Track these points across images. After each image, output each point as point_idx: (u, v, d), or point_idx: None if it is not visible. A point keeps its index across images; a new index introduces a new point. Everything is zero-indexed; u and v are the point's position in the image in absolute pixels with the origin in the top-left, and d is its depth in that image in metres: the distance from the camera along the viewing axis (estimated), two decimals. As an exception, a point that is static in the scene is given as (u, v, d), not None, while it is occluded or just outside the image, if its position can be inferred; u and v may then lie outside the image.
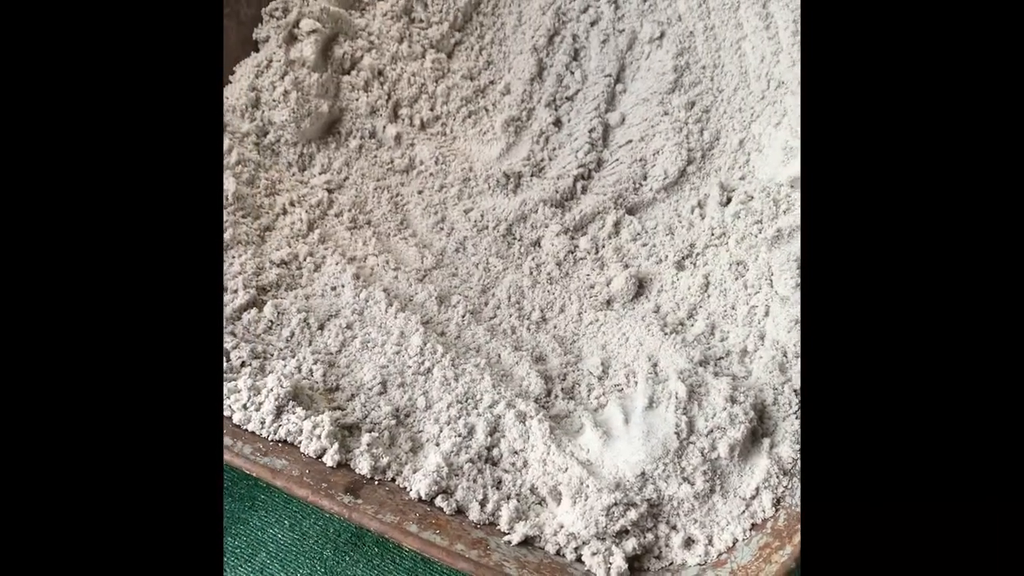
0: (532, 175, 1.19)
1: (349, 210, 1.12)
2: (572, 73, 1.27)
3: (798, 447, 0.83)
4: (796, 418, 0.86)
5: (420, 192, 1.17)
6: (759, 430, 0.86)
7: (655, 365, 0.95)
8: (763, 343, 0.95)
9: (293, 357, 0.93)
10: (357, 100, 1.18)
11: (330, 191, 1.13)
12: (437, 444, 0.87)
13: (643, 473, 0.81)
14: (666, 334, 0.98)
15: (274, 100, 1.11)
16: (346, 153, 1.16)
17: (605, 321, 1.03)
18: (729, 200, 1.12)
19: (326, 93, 1.15)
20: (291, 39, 1.13)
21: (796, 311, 0.93)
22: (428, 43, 1.26)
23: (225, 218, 1.00)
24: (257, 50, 1.16)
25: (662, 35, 1.27)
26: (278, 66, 1.11)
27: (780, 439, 0.84)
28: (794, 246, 0.97)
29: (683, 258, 1.08)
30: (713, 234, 1.09)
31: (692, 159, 1.17)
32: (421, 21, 1.27)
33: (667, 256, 1.09)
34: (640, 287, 1.07)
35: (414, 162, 1.19)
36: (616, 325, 1.02)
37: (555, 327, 1.04)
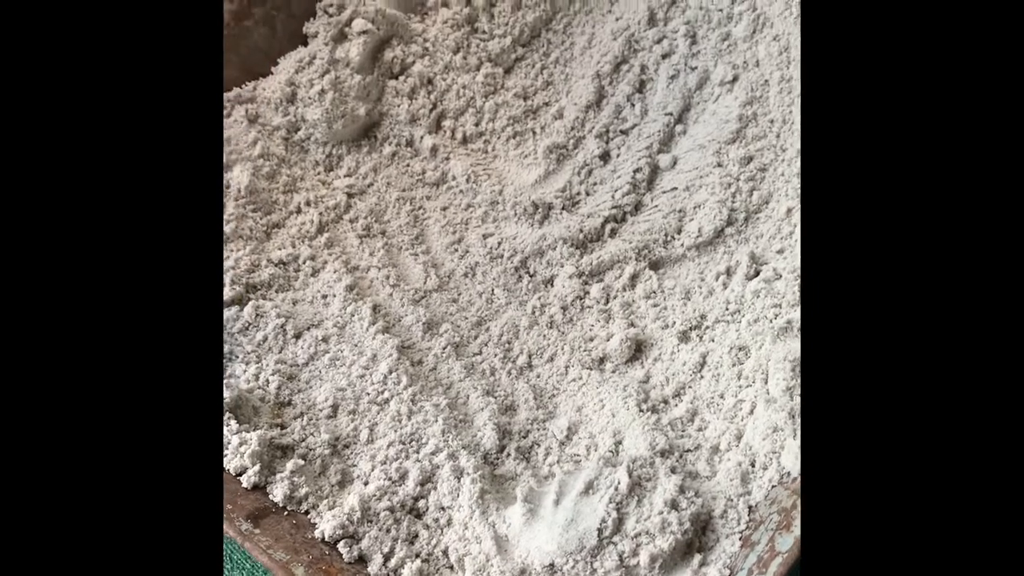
0: (563, 208, 1.14)
1: (365, 217, 1.11)
2: (633, 106, 1.20)
3: (728, 573, 0.75)
4: (739, 539, 0.78)
5: (444, 209, 1.14)
6: (696, 543, 0.79)
7: (618, 443, 0.89)
8: (737, 444, 0.87)
9: (256, 363, 0.93)
10: (399, 106, 1.16)
11: (350, 195, 1.12)
12: (365, 483, 0.85)
13: (552, 565, 0.77)
14: (642, 411, 0.91)
15: (310, 98, 1.10)
16: (377, 159, 1.15)
17: (588, 381, 0.98)
18: (757, 273, 1.03)
19: (367, 96, 1.14)
20: (340, 37, 1.13)
21: (780, 417, 0.84)
22: (486, 56, 1.22)
23: (231, 211, 1.01)
24: (306, 45, 1.16)
25: (735, 79, 1.18)
26: (320, 63, 1.11)
27: (713, 559, 0.77)
28: (795, 344, 0.88)
29: (690, 328, 1.01)
30: (728, 308, 1.01)
31: (733, 220, 1.08)
32: (483, 32, 1.23)
33: (674, 323, 1.02)
34: (637, 350, 1.01)
35: (446, 177, 1.16)
36: (597, 389, 0.96)
37: (537, 376, 1.00)
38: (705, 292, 1.04)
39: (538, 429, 0.94)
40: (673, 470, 0.83)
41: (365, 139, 1.16)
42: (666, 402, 0.94)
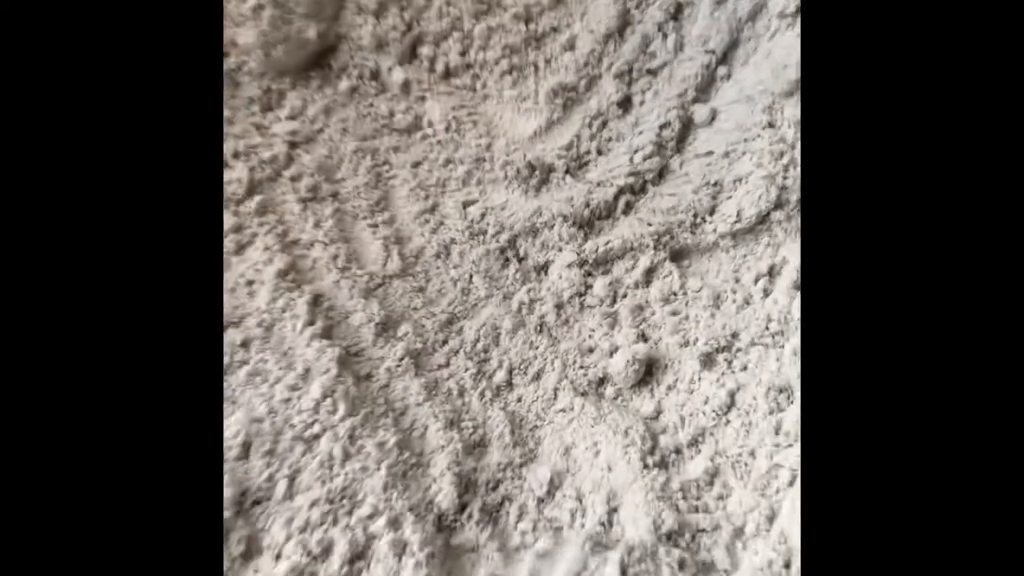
0: (567, 172, 0.89)
1: (312, 174, 0.87)
2: (665, 37, 0.93)
3: None
4: None
5: (416, 165, 0.90)
6: None
7: (613, 511, 0.68)
8: (768, 530, 0.66)
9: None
10: (362, 27, 0.90)
11: (293, 145, 0.87)
12: (277, 556, 0.65)
13: None
14: (647, 466, 0.70)
15: (241, 15, 0.84)
16: (330, 96, 0.90)
17: (582, 414, 0.76)
18: (810, 281, 0.79)
19: (319, 13, 0.88)
20: (285, -68, 0.85)
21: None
22: (479, -38, 0.94)
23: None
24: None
25: (798, 11, 0.90)
26: (258, -32, 0.84)
27: None
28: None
29: (717, 350, 0.78)
30: (768, 328, 0.78)
31: (783, 202, 0.84)
32: (477, -70, 0.95)
33: (697, 339, 0.79)
34: (647, 372, 0.78)
35: (419, 122, 0.91)
36: (592, 427, 0.74)
37: (518, 400, 0.78)
38: (740, 300, 0.81)
39: (512, 478, 0.73)
40: (681, 566, 0.62)
41: (315, 70, 0.90)
42: (679, 452, 0.73)
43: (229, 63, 0.85)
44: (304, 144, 0.88)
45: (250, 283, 0.79)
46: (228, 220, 0.81)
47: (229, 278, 0.79)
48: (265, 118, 0.87)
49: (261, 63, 0.86)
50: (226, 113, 0.85)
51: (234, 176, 0.83)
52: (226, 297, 0.78)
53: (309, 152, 0.88)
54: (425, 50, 0.92)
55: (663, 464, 0.71)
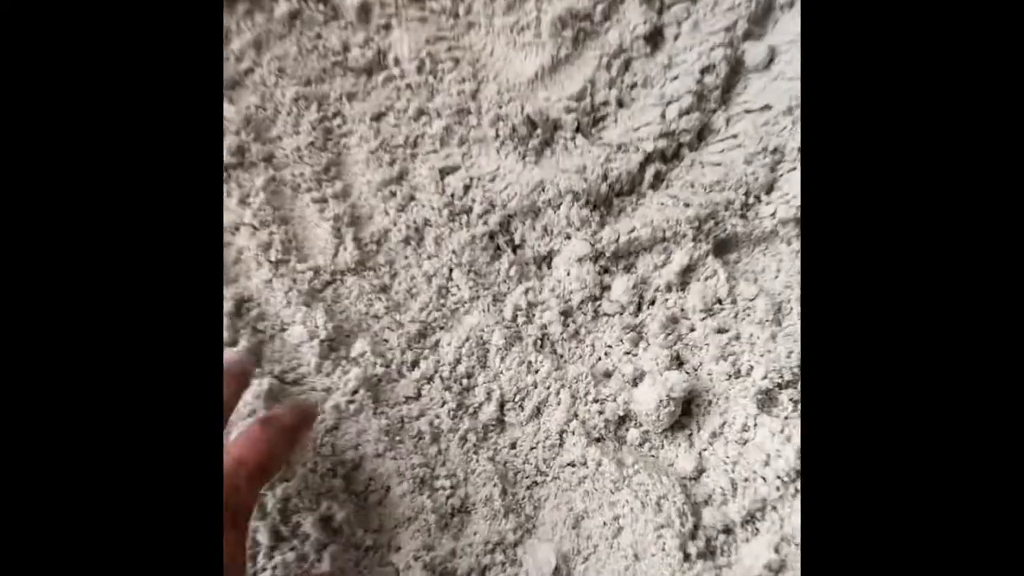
0: (578, 130, 0.68)
1: (237, 132, 0.64)
2: (709, -52, 0.70)
3: None
4: None
5: (378, 118, 0.68)
6: None
7: (642, 625, 0.49)
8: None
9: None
10: (305, -73, 0.67)
11: (212, 91, 0.64)
12: None
13: None
14: (688, 557, 0.51)
15: (130, -94, 0.60)
16: (263, 25, 0.67)
17: (599, 471, 0.57)
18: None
19: (243, -94, 0.64)
20: None
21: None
22: None
23: None
24: None
25: (895, -85, 0.67)
26: None
27: None
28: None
29: (780, 386, 0.58)
30: (850, 358, 0.57)
31: (866, 180, 0.62)
32: None
33: (751, 369, 0.59)
34: (685, 412, 0.59)
35: (384, 60, 0.68)
36: (611, 490, 0.55)
37: (512, 447, 0.59)
38: (810, 315, 0.60)
39: (504, 564, 0.54)
40: None
41: (242, -13, 0.67)
42: (729, 532, 0.54)
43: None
44: (227, 90, 0.65)
45: (148, 286, 0.58)
46: (118, 197, 0.59)
47: (119, 279, 0.58)
48: (171, 53, 0.64)
49: (163, -23, 0.62)
50: (116, 46, 0.62)
51: (127, 135, 0.61)
52: (114, 307, 0.57)
53: (235, 101, 0.65)
54: (390, -40, 0.68)
55: (709, 553, 0.52)
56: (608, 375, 0.62)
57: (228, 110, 0.64)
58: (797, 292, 0.61)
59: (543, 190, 0.65)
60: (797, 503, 0.53)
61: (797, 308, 0.61)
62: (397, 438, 0.57)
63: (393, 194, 0.66)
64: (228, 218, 0.62)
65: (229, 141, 0.64)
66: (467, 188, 0.66)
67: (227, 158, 0.64)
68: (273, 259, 0.62)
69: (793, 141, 0.65)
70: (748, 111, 0.68)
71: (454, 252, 0.65)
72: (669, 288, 0.63)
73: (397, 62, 0.68)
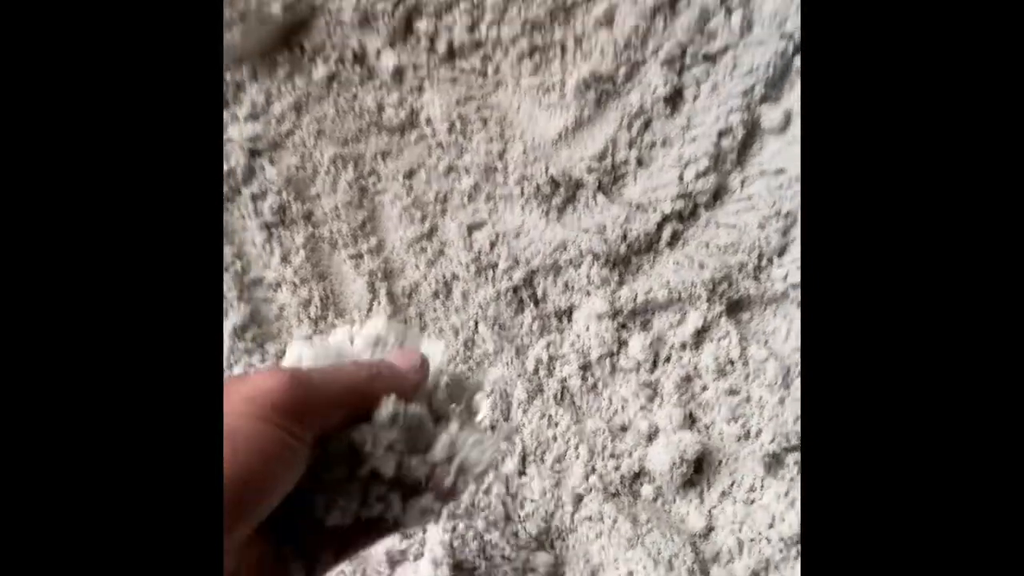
0: (599, 189, 0.71)
1: (279, 192, 0.68)
2: (729, 13, 0.73)
3: None
4: None
5: (411, 174, 0.71)
6: None
7: (652, 676, 0.54)
8: None
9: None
10: (343, -4, 0.70)
11: (254, 153, 0.68)
12: None
13: None
14: (696, 613, 0.55)
15: (180, -17, 0.64)
16: (302, 88, 0.70)
17: (614, 528, 0.61)
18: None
19: (286, -21, 0.67)
20: None
21: None
22: (495, -93, 0.73)
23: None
24: None
25: (909, -11, 0.69)
26: (200, -80, 0.63)
27: None
28: None
29: (786, 450, 0.62)
30: (853, 424, 0.61)
31: (874, 247, 0.65)
32: None
33: (760, 432, 0.63)
34: (696, 469, 0.63)
35: (416, 119, 0.72)
36: (624, 549, 0.59)
37: (530, 506, 0.63)
38: (816, 380, 0.64)
39: (524, 611, 0.58)
40: None
41: (283, 54, 0.70)
42: (737, 591, 0.58)
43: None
44: (269, 151, 0.69)
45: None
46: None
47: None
48: (217, 118, 0.68)
49: (209, 47, 0.66)
50: (165, 112, 0.66)
51: (176, 198, 0.65)
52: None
53: (276, 162, 0.69)
54: (423, 25, 0.72)
55: (717, 610, 0.56)
56: (624, 429, 0.65)
57: (270, 171, 0.68)
58: (805, 356, 0.65)
59: (565, 250, 0.69)
60: (798, 566, 0.57)
61: (804, 371, 0.64)
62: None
63: (424, 249, 0.70)
64: (270, 276, 0.67)
65: (268, 203, 0.68)
66: (492, 244, 0.70)
67: (269, 216, 0.67)
68: (312, 315, 0.66)
69: (805, 206, 0.68)
70: (763, 173, 0.71)
71: (480, 306, 0.68)
72: (684, 347, 0.67)
73: (429, 122, 0.72)
